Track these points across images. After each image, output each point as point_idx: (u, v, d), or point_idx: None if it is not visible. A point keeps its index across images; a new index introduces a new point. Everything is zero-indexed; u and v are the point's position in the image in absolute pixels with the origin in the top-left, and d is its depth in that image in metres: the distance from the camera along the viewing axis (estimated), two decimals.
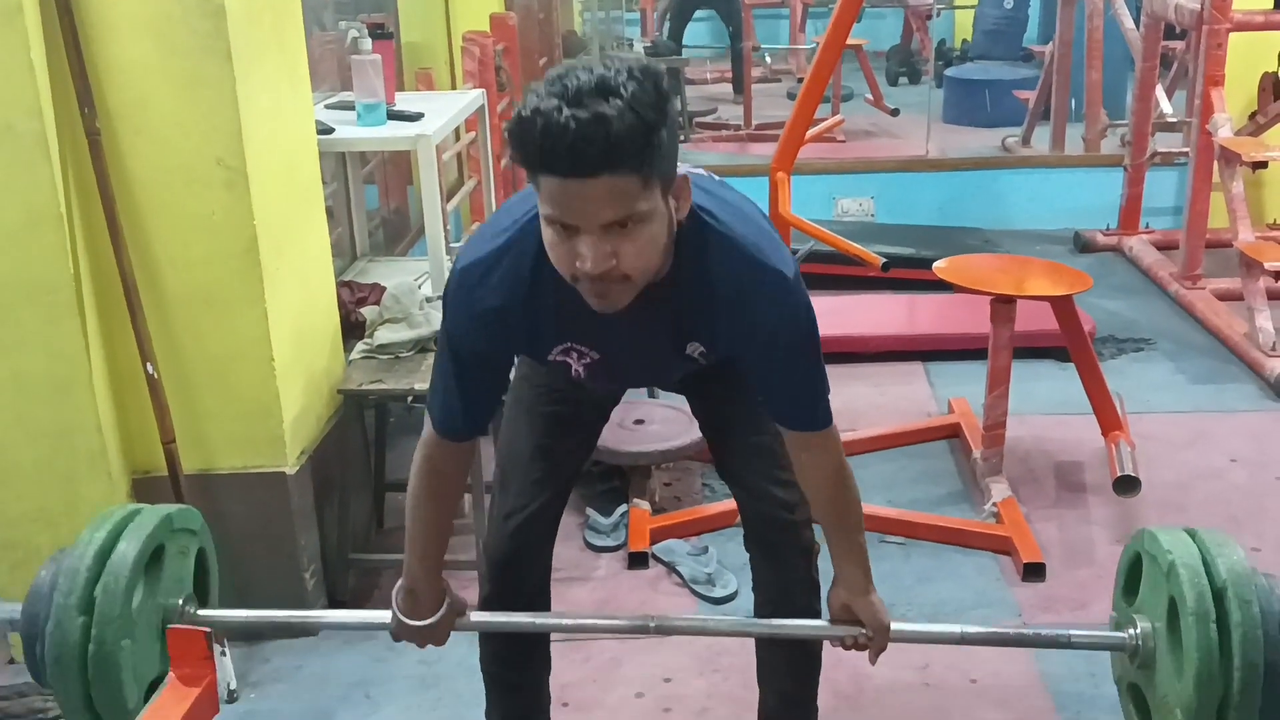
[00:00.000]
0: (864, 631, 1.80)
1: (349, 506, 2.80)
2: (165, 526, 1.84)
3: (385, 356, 2.82)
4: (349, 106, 3.21)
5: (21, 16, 2.14)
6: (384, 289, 3.00)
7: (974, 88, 7.53)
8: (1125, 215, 5.42)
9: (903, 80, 8.73)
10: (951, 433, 3.61)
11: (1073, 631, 1.93)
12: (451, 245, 3.56)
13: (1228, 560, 1.76)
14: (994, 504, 3.08)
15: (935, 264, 3.33)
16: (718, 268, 1.56)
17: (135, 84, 2.28)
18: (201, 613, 1.89)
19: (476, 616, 1.90)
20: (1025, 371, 3.68)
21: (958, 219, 5.69)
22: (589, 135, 1.30)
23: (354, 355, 2.85)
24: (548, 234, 1.43)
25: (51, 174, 2.21)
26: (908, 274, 4.48)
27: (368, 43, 3.13)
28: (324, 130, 2.96)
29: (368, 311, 2.96)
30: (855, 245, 3.43)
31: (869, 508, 3.09)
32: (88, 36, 2.23)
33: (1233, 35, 4.44)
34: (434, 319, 2.87)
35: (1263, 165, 4.31)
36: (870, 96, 7.74)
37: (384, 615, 1.86)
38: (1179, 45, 5.68)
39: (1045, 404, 3.76)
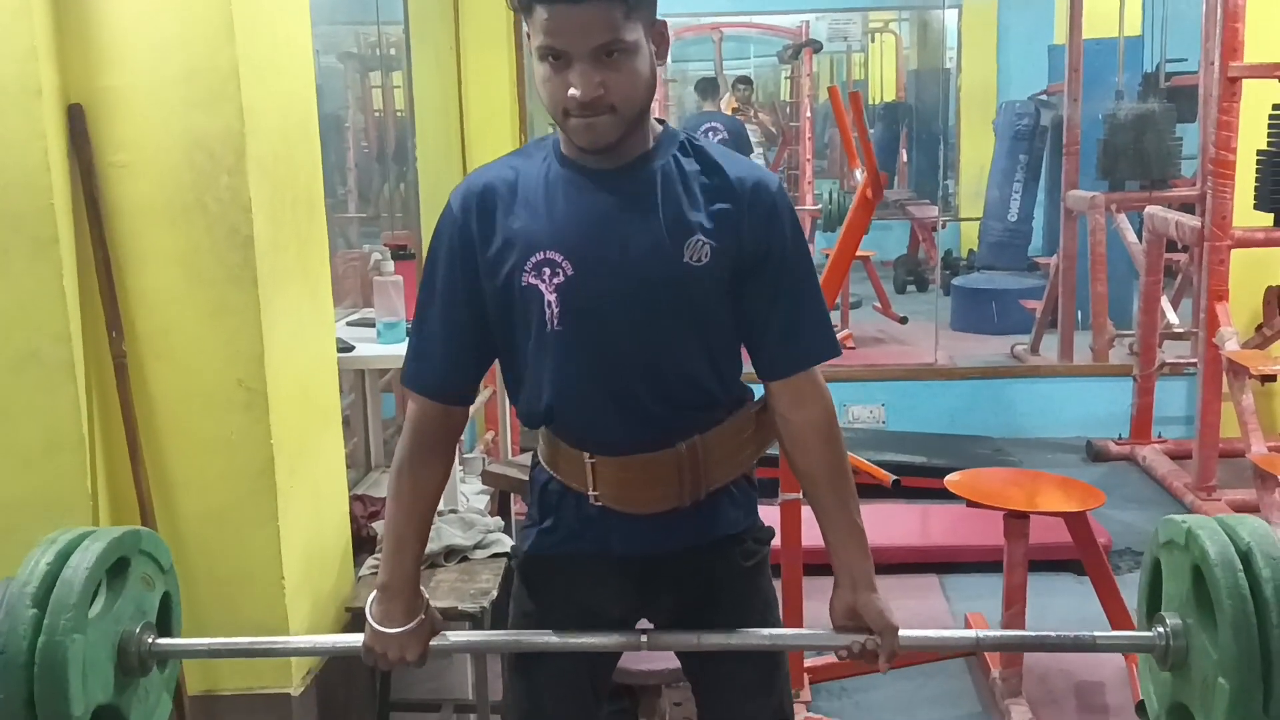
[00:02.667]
0: (871, 637, 1.65)
1: None
2: (132, 540, 1.72)
3: None
4: (369, 324, 3.31)
5: (56, 246, 2.22)
6: None
7: (981, 296, 7.69)
8: (1137, 425, 5.44)
9: (910, 288, 8.92)
10: (969, 650, 3.54)
11: (1097, 634, 1.77)
12: (465, 455, 3.60)
13: (1248, 526, 1.62)
14: None
15: (947, 478, 3.34)
16: (711, 151, 1.64)
17: (162, 311, 2.36)
18: (160, 641, 1.74)
19: (455, 637, 1.76)
20: (1042, 585, 3.63)
21: (969, 427, 5.73)
22: None
23: (364, 571, 2.84)
24: (540, 69, 1.53)
25: (76, 398, 2.27)
26: (920, 483, 4.50)
27: (390, 265, 3.25)
28: (344, 349, 3.04)
29: (379, 526, 2.97)
30: (865, 461, 3.44)
31: None
32: (119, 266, 2.33)
33: (1235, 250, 4.56)
34: (444, 534, 2.87)
35: (1271, 379, 4.35)
36: (879, 304, 7.90)
37: (356, 639, 1.73)
38: (1182, 256, 5.82)
39: (1063, 620, 3.69)
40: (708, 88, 7.77)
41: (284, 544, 2.46)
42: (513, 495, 3.49)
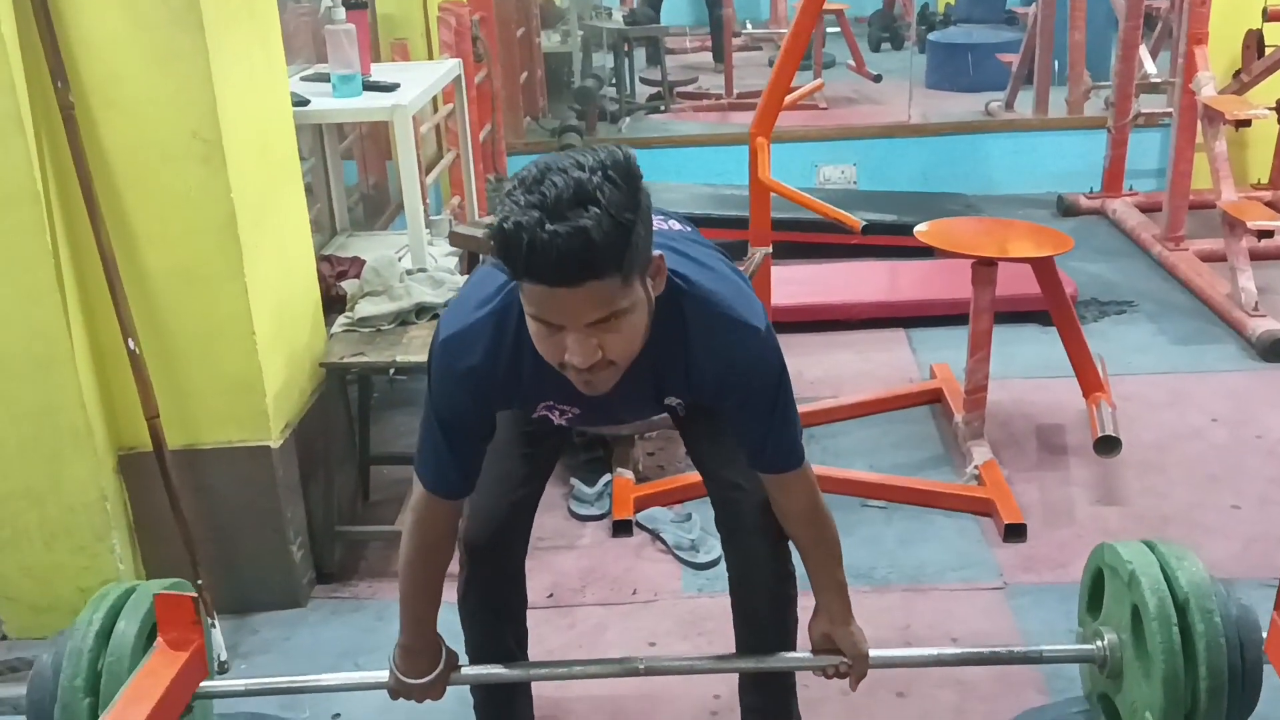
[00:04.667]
0: (844, 660, 1.88)
1: (334, 480, 2.81)
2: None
3: (366, 330, 2.82)
4: (324, 78, 3.20)
5: None
6: (364, 262, 3.00)
7: (957, 52, 7.51)
8: (1109, 178, 5.43)
9: (885, 46, 8.71)
10: (934, 398, 3.63)
11: (1044, 648, 2.05)
12: (431, 218, 3.56)
13: (1187, 573, 1.82)
14: (975, 467, 3.11)
15: (916, 228, 3.33)
16: (694, 326, 1.63)
17: (107, 58, 2.26)
18: (203, 685, 1.91)
19: (469, 671, 1.96)
20: (1007, 335, 3.70)
21: (940, 185, 5.70)
22: (571, 249, 1.36)
23: (335, 329, 2.85)
24: (533, 327, 1.49)
25: (27, 150, 2.20)
26: (889, 240, 4.51)
27: (341, 12, 3.11)
28: (299, 102, 2.95)
29: (348, 285, 2.97)
30: (835, 209, 3.43)
31: (852, 472, 3.15)
32: (58, 11, 2.22)
33: None
34: (414, 291, 2.87)
35: (1246, 123, 4.29)
36: (852, 63, 7.72)
37: (383, 676, 1.91)
38: (1163, 4, 5.67)
39: (1027, 367, 3.78)
40: None
41: (252, 299, 2.44)
42: (481, 256, 3.47)
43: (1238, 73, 5.11)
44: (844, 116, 6.93)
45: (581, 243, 1.35)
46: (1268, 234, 4.05)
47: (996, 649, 2.15)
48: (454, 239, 3.32)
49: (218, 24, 2.30)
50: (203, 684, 1.90)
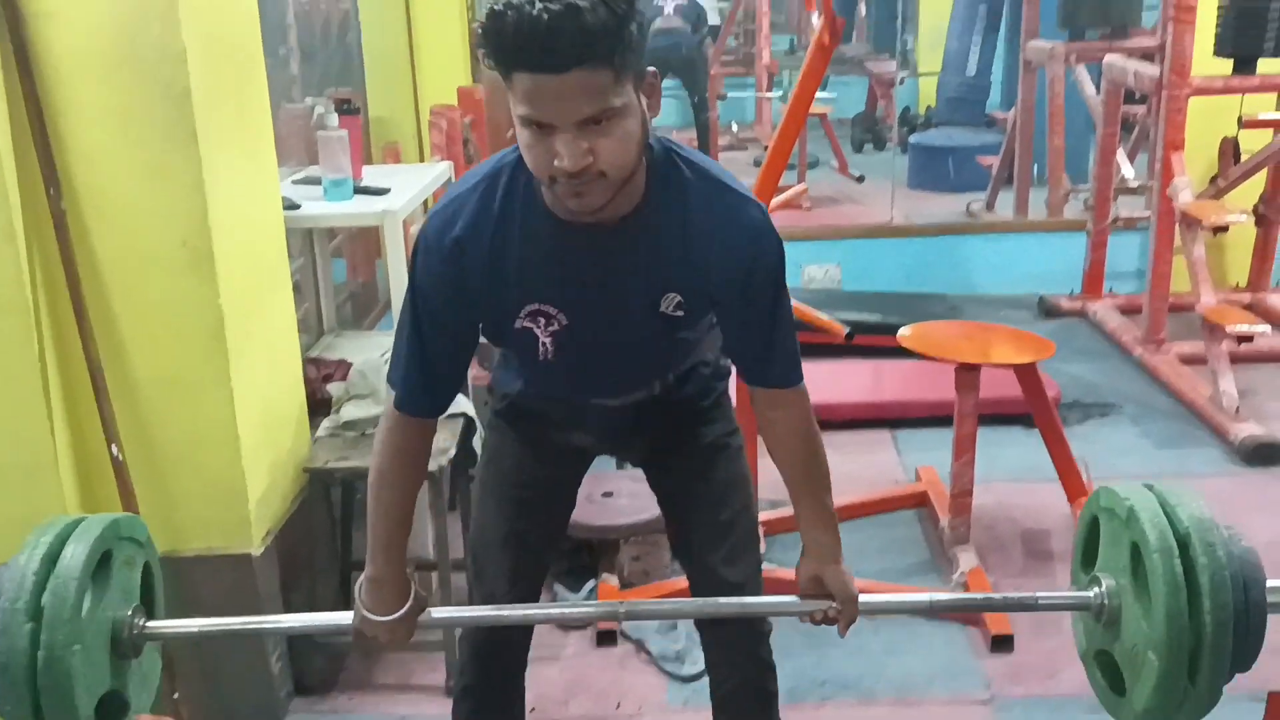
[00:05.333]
0: (833, 605, 1.73)
1: (316, 587, 2.77)
2: (112, 532, 1.74)
3: (351, 433, 2.81)
4: (316, 182, 3.23)
5: None
6: (350, 365, 3.00)
7: (938, 154, 7.65)
8: (1089, 280, 5.49)
9: (868, 147, 8.86)
10: (919, 501, 3.63)
11: (1039, 594, 1.89)
12: None
13: (1188, 509, 1.68)
14: (962, 573, 3.09)
15: (900, 331, 3.36)
16: (694, 192, 1.58)
17: (100, 168, 2.28)
18: (151, 624, 1.77)
19: (439, 613, 1.83)
20: (992, 438, 3.71)
21: (924, 285, 5.75)
22: (561, 27, 1.32)
23: (320, 433, 2.84)
24: (523, 135, 1.43)
25: (17, 258, 2.20)
26: (874, 341, 4.53)
27: (334, 119, 3.15)
28: (290, 207, 2.97)
29: (334, 388, 2.96)
30: (819, 315, 3.45)
31: None
32: (54, 121, 2.24)
33: (1192, 100, 4.52)
34: None
35: (1224, 229, 4.36)
36: (836, 163, 7.85)
37: (346, 617, 1.76)
38: (1140, 110, 5.80)
39: (1012, 471, 3.79)
40: None
41: (238, 406, 2.44)
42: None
43: (1214, 178, 5.21)
44: (828, 216, 7.03)
45: (572, 22, 1.32)
46: (1248, 339, 4.09)
47: (990, 596, 2.06)
48: None
49: (211, 135, 2.33)
50: (148, 624, 1.75)
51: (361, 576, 1.75)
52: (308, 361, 3.06)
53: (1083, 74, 5.77)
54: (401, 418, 1.69)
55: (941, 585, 3.12)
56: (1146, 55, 5.22)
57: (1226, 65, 4.58)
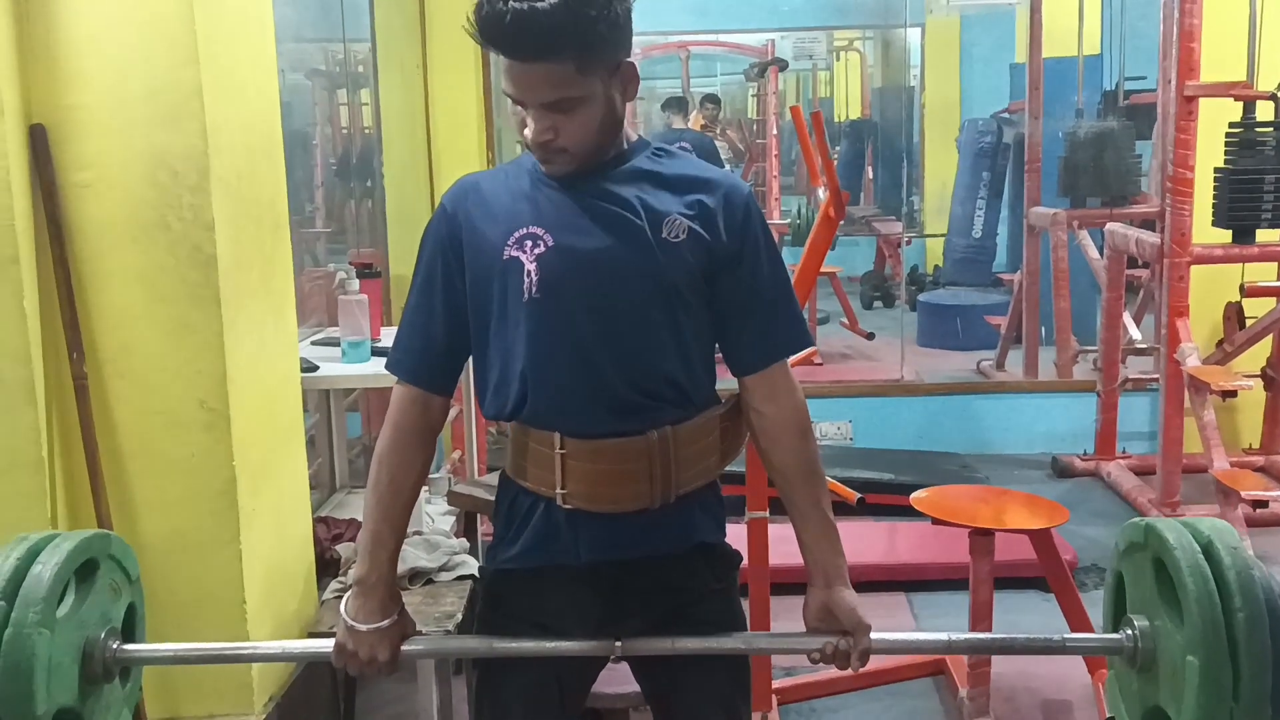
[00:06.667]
0: (844, 638, 1.66)
1: None
2: (101, 545, 1.71)
3: None
4: (334, 343, 3.28)
5: (17, 267, 2.20)
6: (360, 525, 2.99)
7: (946, 313, 7.73)
8: (1101, 440, 5.49)
9: (877, 304, 8.97)
10: (936, 669, 3.54)
11: (1066, 636, 1.79)
12: (431, 475, 3.57)
13: (1207, 523, 1.66)
14: None
15: (913, 495, 3.34)
16: (679, 156, 1.72)
17: (124, 331, 2.33)
18: (126, 647, 1.72)
19: (427, 644, 1.75)
20: (1009, 603, 3.64)
21: (935, 443, 5.75)
22: (523, 26, 1.48)
23: (327, 594, 2.81)
24: (509, 104, 1.61)
25: (36, 420, 2.23)
26: (887, 500, 4.51)
27: (355, 283, 3.22)
28: (308, 368, 3.02)
29: (343, 548, 2.95)
30: (831, 482, 3.44)
31: None
32: (81, 285, 2.30)
33: (1194, 266, 4.59)
34: (409, 556, 2.84)
35: (1232, 394, 4.39)
36: (845, 320, 7.94)
37: (326, 644, 1.71)
38: (1144, 272, 5.88)
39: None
40: (676, 105, 7.79)
41: (246, 566, 2.43)
42: (479, 516, 3.46)
43: (1220, 341, 5.25)
44: (839, 372, 7.07)
45: (533, 23, 1.47)
46: (1262, 504, 4.06)
47: (1014, 636, 1.90)
48: (453, 498, 3.31)
49: (234, 298, 2.38)
50: (123, 646, 1.69)
51: (346, 594, 1.70)
52: (318, 520, 3.05)
53: (1086, 237, 5.88)
54: (399, 390, 1.72)
55: None
56: (1147, 221, 5.32)
57: (1227, 232, 4.67)
